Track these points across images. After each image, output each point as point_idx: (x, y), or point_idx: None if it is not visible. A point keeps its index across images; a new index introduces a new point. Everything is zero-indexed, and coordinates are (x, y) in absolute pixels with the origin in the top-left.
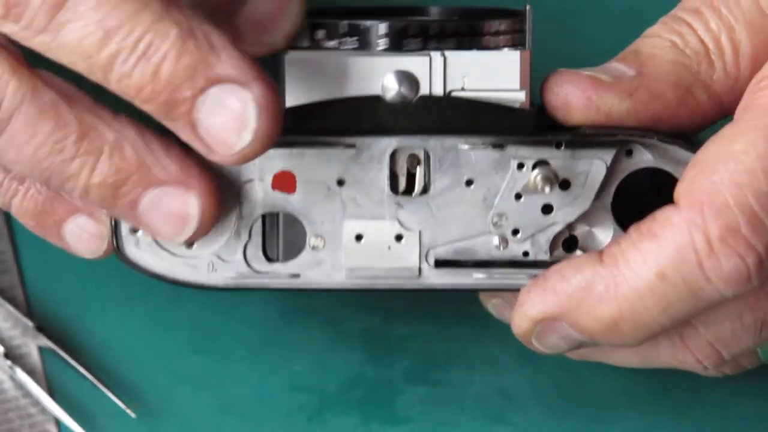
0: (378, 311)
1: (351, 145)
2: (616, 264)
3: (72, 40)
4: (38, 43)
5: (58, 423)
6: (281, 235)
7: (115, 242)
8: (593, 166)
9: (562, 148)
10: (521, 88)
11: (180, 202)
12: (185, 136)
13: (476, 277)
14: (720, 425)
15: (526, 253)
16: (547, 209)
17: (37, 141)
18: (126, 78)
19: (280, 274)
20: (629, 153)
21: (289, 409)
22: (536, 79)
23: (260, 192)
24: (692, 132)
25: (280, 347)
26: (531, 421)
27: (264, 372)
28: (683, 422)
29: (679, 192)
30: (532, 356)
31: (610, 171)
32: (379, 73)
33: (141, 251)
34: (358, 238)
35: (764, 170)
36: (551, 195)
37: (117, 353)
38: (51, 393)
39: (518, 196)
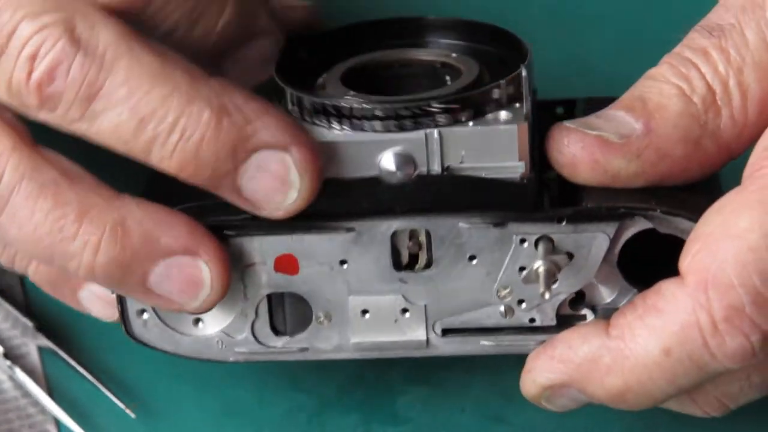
0: None
1: (351, 229)
2: (623, 337)
3: (108, 128)
4: (76, 129)
5: (57, 423)
6: (288, 310)
7: (123, 324)
8: (596, 239)
9: (564, 223)
10: (520, 159)
11: (191, 268)
12: (231, 199)
13: (483, 344)
14: (720, 425)
15: (532, 320)
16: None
17: (36, 219)
18: (167, 159)
19: (289, 348)
20: (632, 217)
21: (289, 409)
22: (540, 81)
23: (263, 274)
24: (700, 179)
25: None
26: (531, 421)
27: (264, 372)
28: (683, 422)
29: (683, 267)
30: None
31: (614, 240)
32: (375, 153)
33: (149, 332)
34: (364, 312)
35: None
36: (552, 287)
37: (117, 353)
38: (51, 393)
39: (522, 269)
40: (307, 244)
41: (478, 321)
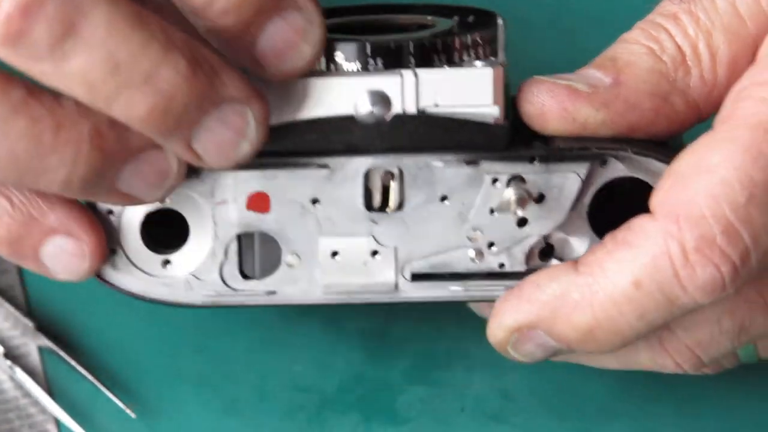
0: (378, 311)
1: (324, 166)
2: (592, 273)
3: (76, 70)
4: (39, 70)
5: (57, 423)
6: (257, 253)
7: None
8: (567, 180)
9: (536, 162)
10: (494, 103)
11: (161, 160)
12: (178, 150)
13: (453, 290)
14: (720, 425)
15: (502, 265)
16: (522, 222)
17: (12, 139)
18: (133, 107)
19: (256, 291)
20: (604, 163)
21: (289, 409)
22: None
23: (234, 212)
24: (669, 138)
25: (280, 347)
26: (531, 421)
27: (264, 372)
28: (683, 422)
29: (655, 202)
30: None
31: (585, 183)
32: (350, 94)
33: (118, 272)
34: (334, 254)
35: (741, 182)
36: (526, 208)
37: (117, 353)
38: (51, 393)
39: (492, 211)
40: (280, 181)
41: (447, 265)
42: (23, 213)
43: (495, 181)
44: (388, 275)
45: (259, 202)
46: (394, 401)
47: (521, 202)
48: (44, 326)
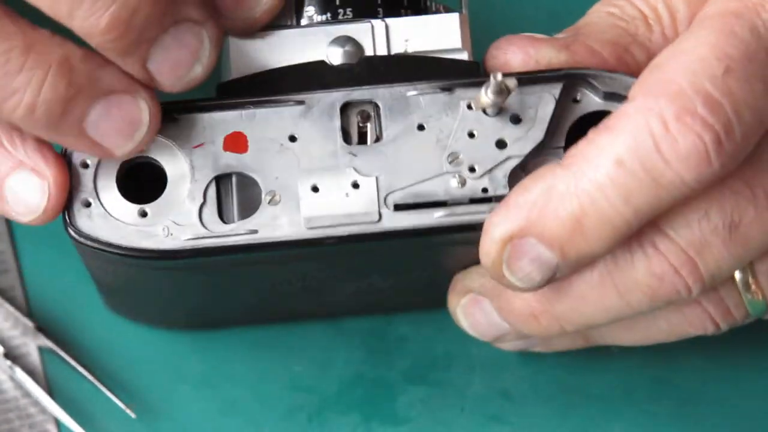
0: (379, 318)
1: (300, 102)
2: (575, 162)
3: None
4: None
5: (57, 423)
6: (236, 196)
7: (67, 216)
8: (542, 100)
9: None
10: (463, 47)
11: (131, 106)
12: (132, 68)
13: (437, 216)
14: (720, 425)
15: (485, 190)
16: (501, 145)
17: None
18: (91, 19)
19: (237, 231)
20: (576, 101)
21: (289, 409)
22: None
23: (211, 155)
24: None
25: (280, 347)
26: (531, 421)
27: (264, 372)
28: (683, 422)
29: (634, 89)
30: (532, 356)
31: (560, 111)
32: (322, 41)
33: (94, 223)
34: (315, 189)
35: (717, 57)
36: (504, 130)
37: (117, 353)
38: (51, 393)
39: (471, 135)
40: (256, 120)
41: (430, 195)
42: None
43: (470, 107)
44: (371, 205)
45: (236, 143)
46: (394, 401)
47: (500, 93)
48: (44, 326)
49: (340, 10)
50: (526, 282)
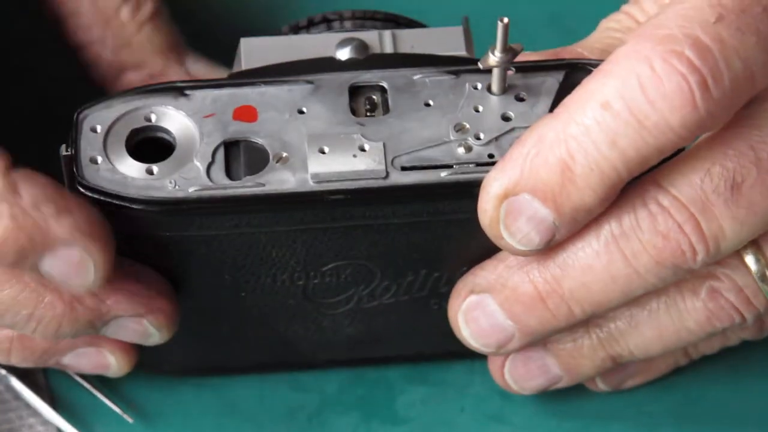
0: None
1: (309, 81)
2: (566, 109)
3: None
4: None
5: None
6: (243, 160)
7: (76, 170)
8: (546, 82)
9: (514, 72)
10: (468, 55)
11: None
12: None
13: (442, 175)
14: (720, 425)
15: (491, 155)
16: (506, 119)
17: None
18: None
19: (244, 184)
20: (578, 71)
21: (289, 409)
22: None
23: (221, 123)
24: None
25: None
26: (531, 421)
27: (264, 372)
28: (683, 422)
29: (629, 36)
30: None
31: (563, 92)
32: (331, 45)
33: (100, 177)
34: (322, 151)
35: (711, 5)
36: (509, 106)
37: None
38: (50, 394)
39: (476, 110)
40: (266, 96)
41: (437, 159)
42: None
43: (476, 88)
44: (378, 164)
45: (246, 113)
46: (394, 401)
47: (510, 51)
48: None
49: (347, 23)
50: (525, 244)
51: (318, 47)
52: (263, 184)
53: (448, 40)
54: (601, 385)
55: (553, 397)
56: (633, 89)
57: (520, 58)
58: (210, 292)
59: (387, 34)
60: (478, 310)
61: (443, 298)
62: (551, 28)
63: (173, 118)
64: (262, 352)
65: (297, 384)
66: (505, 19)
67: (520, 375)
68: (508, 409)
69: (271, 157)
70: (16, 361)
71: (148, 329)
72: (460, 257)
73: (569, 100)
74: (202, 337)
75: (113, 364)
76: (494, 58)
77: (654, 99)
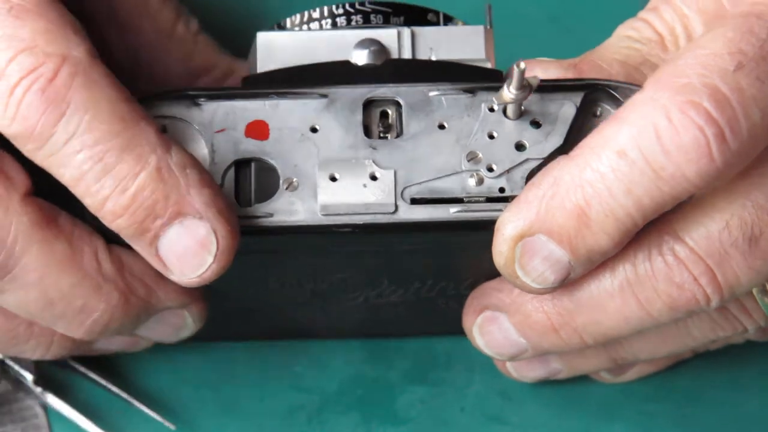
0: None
1: (324, 95)
2: (582, 153)
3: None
4: None
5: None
6: (254, 182)
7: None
8: (563, 106)
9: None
10: (486, 58)
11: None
12: (146, 255)
13: (452, 211)
14: (719, 426)
15: (502, 189)
16: (520, 147)
17: None
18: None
19: (253, 213)
20: (596, 116)
21: (289, 409)
22: None
23: (232, 140)
24: None
25: (280, 347)
26: (531, 421)
27: (264, 372)
28: (683, 422)
29: (647, 81)
30: None
31: (580, 122)
32: (349, 45)
33: None
34: (333, 179)
35: (731, 53)
36: (524, 133)
37: (117, 353)
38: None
39: (491, 136)
40: (279, 110)
41: (447, 191)
42: None
43: (492, 110)
44: (388, 197)
45: (258, 130)
46: (394, 401)
47: (525, 88)
48: None
49: (371, 16)
50: (540, 282)
51: (335, 47)
52: (271, 214)
53: (467, 41)
54: (604, 375)
55: (553, 396)
56: (649, 138)
57: (537, 65)
58: (218, 288)
59: (406, 32)
60: (493, 326)
61: (451, 299)
62: (551, 28)
63: (186, 133)
64: (266, 326)
65: (297, 384)
66: (522, 65)
67: (521, 365)
68: (508, 409)
69: (281, 182)
70: (54, 353)
71: (186, 321)
72: (468, 272)
73: (585, 145)
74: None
75: (143, 343)
76: (509, 94)
77: (670, 150)
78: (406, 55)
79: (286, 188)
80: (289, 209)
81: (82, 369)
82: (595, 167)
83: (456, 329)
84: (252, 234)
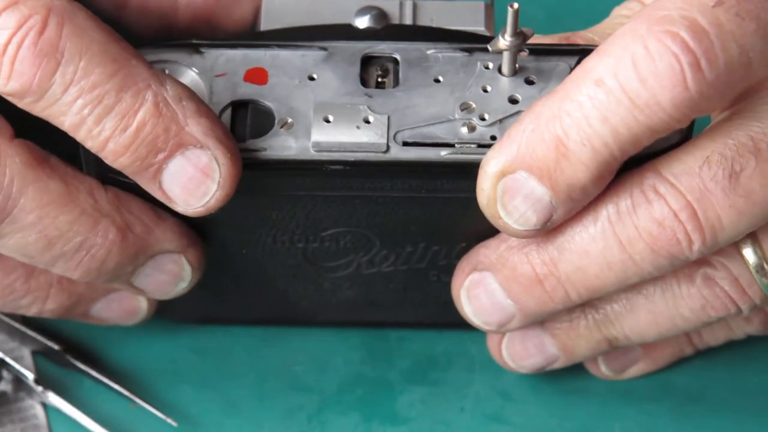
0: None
1: (323, 48)
2: (563, 87)
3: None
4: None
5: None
6: (249, 122)
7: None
8: (558, 67)
9: (527, 54)
10: (487, 30)
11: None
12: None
13: (443, 154)
14: (720, 425)
15: (493, 137)
16: (513, 101)
17: None
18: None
19: (246, 147)
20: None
21: (289, 409)
22: None
23: (231, 84)
24: None
25: (280, 347)
26: (531, 421)
27: (264, 372)
28: (683, 422)
29: (631, 17)
30: None
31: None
32: (351, 11)
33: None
34: (327, 120)
35: None
36: (517, 89)
37: (117, 353)
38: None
39: (485, 90)
40: (279, 60)
41: (439, 137)
42: None
43: (487, 68)
44: (380, 138)
45: (256, 76)
46: (394, 401)
47: (520, 35)
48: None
49: None
50: (522, 223)
51: (338, 12)
52: (265, 149)
53: (469, 15)
54: (604, 370)
55: (553, 397)
56: (626, 67)
57: (532, 41)
58: (211, 246)
59: (408, 4)
60: (480, 288)
61: (442, 270)
62: (551, 28)
63: (185, 75)
64: (262, 306)
65: (297, 384)
66: (515, 5)
67: (517, 353)
68: (508, 409)
69: (276, 122)
70: (50, 308)
71: (184, 269)
72: (460, 233)
73: (567, 79)
74: (204, 287)
75: (142, 308)
76: (504, 42)
77: (645, 77)
78: (407, 23)
79: (281, 128)
80: (282, 145)
81: (83, 367)
82: (574, 97)
83: (449, 316)
84: (245, 168)
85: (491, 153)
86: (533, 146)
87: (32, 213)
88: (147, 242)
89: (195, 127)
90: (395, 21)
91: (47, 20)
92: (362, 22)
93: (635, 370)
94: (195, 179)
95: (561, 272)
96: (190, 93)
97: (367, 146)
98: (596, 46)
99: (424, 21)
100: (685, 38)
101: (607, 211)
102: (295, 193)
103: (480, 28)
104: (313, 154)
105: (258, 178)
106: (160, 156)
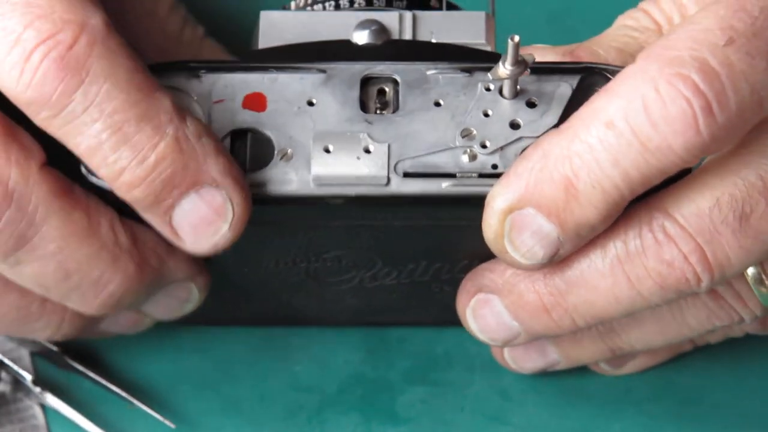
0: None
1: (322, 71)
2: (571, 125)
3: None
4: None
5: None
6: (249, 153)
7: (84, 169)
8: (559, 87)
9: (529, 73)
10: (487, 44)
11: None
12: (158, 225)
13: (445, 186)
14: (720, 425)
15: (495, 166)
16: (514, 126)
17: (3, 308)
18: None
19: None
20: (593, 76)
21: (289, 409)
22: None
23: (229, 111)
24: None
25: (280, 347)
26: (531, 421)
27: (264, 372)
28: (683, 422)
29: (639, 55)
30: None
31: (576, 105)
32: (350, 26)
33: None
34: (327, 150)
35: (722, 28)
36: (519, 112)
37: (117, 353)
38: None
39: (486, 114)
40: (277, 84)
41: (440, 166)
42: None
43: (488, 89)
44: (381, 170)
45: (255, 102)
46: (394, 401)
47: (521, 64)
48: None
49: (375, 0)
50: (529, 258)
51: (337, 27)
52: (265, 183)
53: (469, 26)
54: (603, 367)
55: (553, 397)
56: (637, 111)
57: (534, 51)
58: (213, 265)
59: (407, 16)
60: (486, 309)
61: (445, 283)
62: (551, 28)
63: (183, 103)
64: (263, 311)
65: (297, 384)
66: (516, 38)
67: (519, 356)
68: (508, 409)
69: (276, 152)
70: (64, 332)
71: (191, 294)
72: (462, 254)
73: (575, 117)
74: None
75: (147, 321)
76: (505, 70)
77: (656, 122)
78: (407, 37)
79: (281, 158)
80: (282, 179)
81: (81, 368)
82: (584, 138)
83: (451, 318)
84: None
85: (498, 189)
86: (542, 185)
87: (53, 243)
88: (161, 274)
89: (213, 165)
90: (395, 33)
91: (79, 36)
92: (361, 37)
93: (634, 365)
94: (207, 218)
95: (569, 303)
96: (208, 131)
97: (367, 179)
98: (600, 64)
99: (424, 33)
100: (696, 81)
101: (615, 249)
102: (297, 223)
103: (481, 41)
104: (313, 189)
105: (259, 212)
106: (175, 192)
